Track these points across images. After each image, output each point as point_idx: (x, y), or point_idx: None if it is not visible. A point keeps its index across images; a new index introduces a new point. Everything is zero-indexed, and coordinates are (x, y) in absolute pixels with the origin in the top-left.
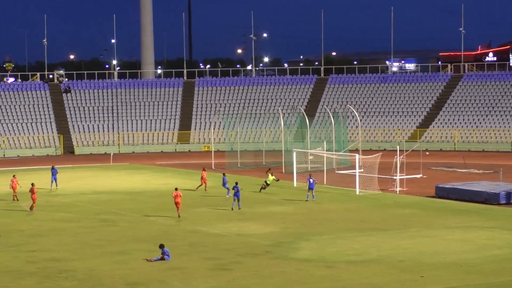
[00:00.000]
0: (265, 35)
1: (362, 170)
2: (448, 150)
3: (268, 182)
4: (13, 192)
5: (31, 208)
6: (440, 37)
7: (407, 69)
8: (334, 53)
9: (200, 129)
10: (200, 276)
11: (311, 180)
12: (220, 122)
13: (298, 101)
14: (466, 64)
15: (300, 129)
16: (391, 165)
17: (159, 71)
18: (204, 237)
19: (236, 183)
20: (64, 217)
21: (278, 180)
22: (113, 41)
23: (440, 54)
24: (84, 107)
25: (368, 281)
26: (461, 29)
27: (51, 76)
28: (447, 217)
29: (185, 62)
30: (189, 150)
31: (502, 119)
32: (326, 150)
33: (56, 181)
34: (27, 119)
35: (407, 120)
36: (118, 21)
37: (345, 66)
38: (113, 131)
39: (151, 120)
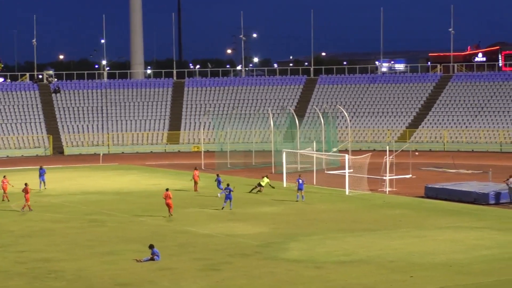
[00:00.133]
0: (255, 35)
1: (351, 170)
2: (437, 151)
3: (262, 184)
4: (3, 192)
5: (23, 207)
6: (429, 37)
7: (396, 70)
8: (323, 54)
9: (189, 129)
10: (189, 276)
11: (300, 180)
12: (210, 123)
13: (287, 102)
14: (455, 65)
15: (290, 129)
16: (380, 165)
17: (148, 71)
18: (193, 237)
19: (228, 185)
20: (54, 217)
21: (273, 187)
22: (102, 41)
23: (430, 54)
24: (73, 108)
25: (358, 281)
26: (450, 29)
27: (40, 76)
28: (437, 217)
29: (174, 62)
30: (179, 151)
31: (492, 120)
32: (316, 151)
33: (44, 182)
34: (17, 119)
35: (397, 120)
36: (107, 21)
37: (334, 67)
38: (102, 132)
39: (140, 120)
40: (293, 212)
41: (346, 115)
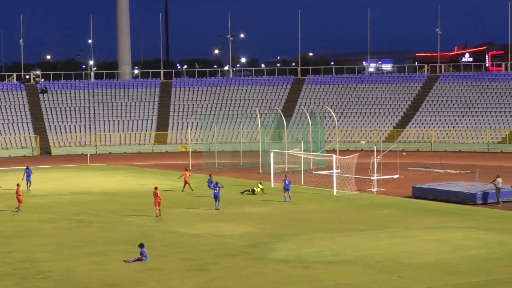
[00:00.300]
0: (242, 35)
1: (339, 170)
2: (424, 151)
3: (255, 191)
4: None
5: (18, 208)
6: (416, 37)
7: (383, 70)
8: (311, 54)
9: (177, 129)
10: (177, 277)
11: (286, 181)
12: (197, 123)
13: (275, 102)
14: (442, 65)
15: (277, 129)
16: (368, 165)
17: (136, 71)
18: (181, 237)
19: (217, 183)
20: (41, 218)
21: (265, 193)
22: (89, 41)
23: (417, 54)
24: (60, 108)
25: (345, 281)
26: (437, 30)
27: (27, 76)
28: (424, 217)
29: (162, 62)
30: (166, 151)
31: (479, 120)
32: (303, 151)
33: (30, 182)
34: (3, 119)
35: (384, 120)
36: (94, 22)
37: (322, 67)
38: (90, 132)
39: (128, 120)
40: (281, 212)
41: (334, 115)
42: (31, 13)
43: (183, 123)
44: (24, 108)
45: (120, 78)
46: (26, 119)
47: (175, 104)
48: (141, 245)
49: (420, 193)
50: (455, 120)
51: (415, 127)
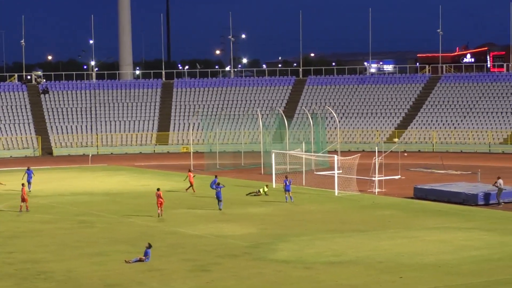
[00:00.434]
0: (243, 36)
1: (340, 171)
2: (426, 151)
3: (260, 192)
4: None
5: (26, 208)
6: (418, 38)
7: (385, 70)
8: (312, 54)
9: (178, 130)
10: (178, 277)
11: (287, 181)
12: (199, 123)
13: (276, 102)
14: (444, 66)
15: (279, 130)
16: (369, 166)
17: (137, 72)
18: (183, 238)
19: (219, 183)
20: (43, 218)
21: (267, 194)
22: (91, 42)
23: (418, 55)
24: (62, 108)
25: (347, 282)
26: (438, 30)
27: (29, 77)
28: (426, 218)
29: (163, 63)
30: (168, 151)
31: (480, 120)
32: (305, 151)
33: (30, 183)
34: (5, 120)
35: (386, 121)
36: (96, 22)
37: (323, 67)
38: (91, 132)
39: (129, 121)
40: (282, 213)
41: (335, 116)
42: (32, 13)
43: (184, 123)
44: (26, 108)
45: (122, 79)
46: (28, 119)
47: (176, 105)
48: (149, 246)
49: (421, 194)
50: (456, 120)
51: (416, 127)
